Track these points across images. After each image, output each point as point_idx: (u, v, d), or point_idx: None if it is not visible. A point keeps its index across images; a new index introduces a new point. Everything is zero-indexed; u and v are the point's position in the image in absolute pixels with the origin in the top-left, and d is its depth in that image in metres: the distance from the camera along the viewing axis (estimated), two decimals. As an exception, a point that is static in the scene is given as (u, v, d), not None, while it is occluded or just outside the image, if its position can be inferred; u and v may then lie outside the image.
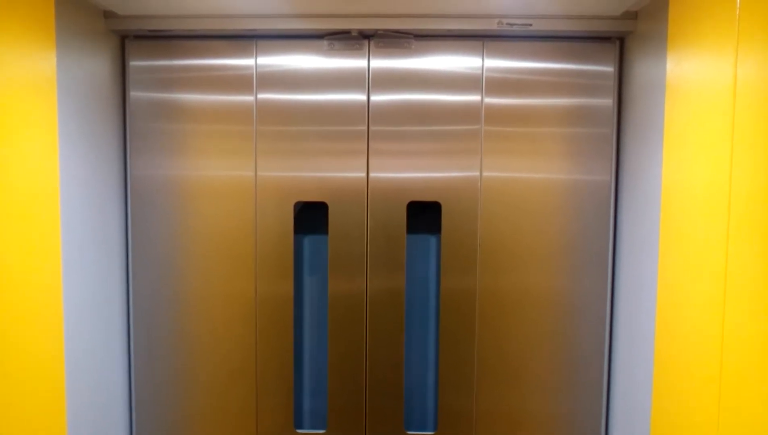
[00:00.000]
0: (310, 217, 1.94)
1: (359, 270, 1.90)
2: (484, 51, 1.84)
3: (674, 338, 1.44)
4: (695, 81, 1.36)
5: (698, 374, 1.31)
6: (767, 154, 1.08)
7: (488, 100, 1.85)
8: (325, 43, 1.85)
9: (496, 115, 1.85)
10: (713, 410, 1.24)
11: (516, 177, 1.86)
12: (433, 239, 1.97)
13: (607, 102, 1.84)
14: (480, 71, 1.84)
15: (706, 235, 1.28)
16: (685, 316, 1.38)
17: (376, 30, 1.81)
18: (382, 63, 1.85)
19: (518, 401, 1.92)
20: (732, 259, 1.18)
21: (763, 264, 1.09)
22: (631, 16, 1.74)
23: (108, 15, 1.78)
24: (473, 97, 1.85)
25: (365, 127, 1.86)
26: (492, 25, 1.76)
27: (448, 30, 1.79)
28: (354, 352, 1.92)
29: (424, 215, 1.91)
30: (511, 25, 1.75)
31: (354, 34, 1.82)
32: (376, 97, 1.85)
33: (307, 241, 1.99)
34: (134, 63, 1.87)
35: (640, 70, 1.72)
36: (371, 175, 1.87)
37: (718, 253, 1.23)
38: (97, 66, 1.77)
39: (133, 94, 1.88)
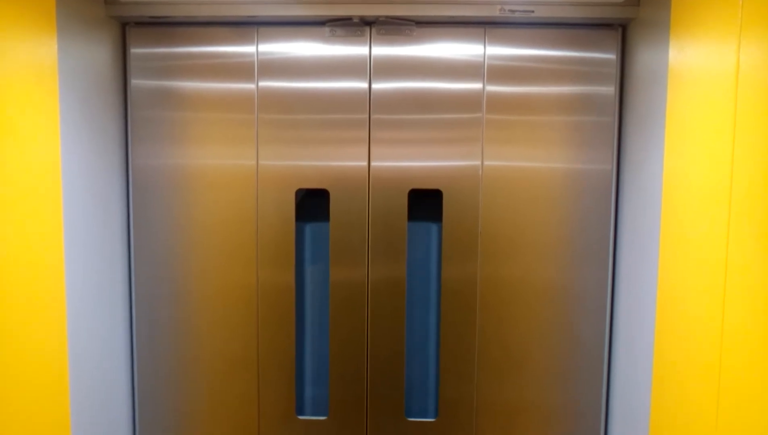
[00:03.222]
0: (312, 205, 1.94)
1: (360, 258, 1.90)
2: (486, 38, 1.83)
3: (674, 328, 1.44)
4: (698, 68, 1.35)
5: (698, 365, 1.31)
6: (769, 141, 1.08)
7: (490, 87, 1.84)
8: (326, 29, 1.84)
9: (498, 103, 1.84)
10: (712, 401, 1.24)
11: (517, 166, 1.86)
12: (434, 227, 1.97)
13: (609, 90, 1.83)
14: (482, 59, 1.83)
15: (707, 224, 1.28)
16: (685, 306, 1.39)
17: (378, 16, 1.81)
18: (383, 50, 1.84)
19: (518, 390, 1.93)
20: (733, 249, 1.18)
21: (763, 254, 1.09)
22: (634, 2, 1.73)
23: (108, 1, 1.77)
24: (475, 85, 1.84)
25: (366, 116, 1.86)
26: (494, 12, 1.75)
27: (450, 16, 1.78)
28: (355, 340, 1.93)
29: (425, 203, 1.91)
30: (513, 11, 1.74)
31: (355, 20, 1.81)
32: (377, 85, 1.85)
33: (309, 229, 1.99)
34: (135, 50, 1.87)
35: (643, 57, 1.71)
36: (372, 163, 1.87)
37: (719, 243, 1.23)
38: (98, 53, 1.76)
39: (134, 81, 1.87)
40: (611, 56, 1.82)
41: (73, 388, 1.61)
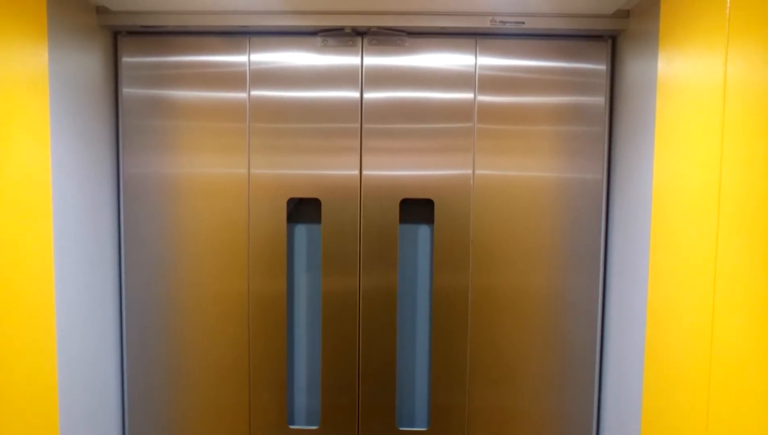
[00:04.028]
0: (303, 213, 1.94)
1: (352, 267, 1.90)
2: (477, 49, 1.84)
3: (665, 335, 1.45)
4: (686, 79, 1.37)
5: (688, 371, 1.32)
6: (756, 151, 1.09)
7: (481, 97, 1.85)
8: (318, 39, 1.84)
9: (489, 113, 1.85)
10: (702, 407, 1.25)
11: (509, 175, 1.87)
12: (425, 236, 1.97)
13: (599, 100, 1.85)
14: (473, 69, 1.85)
15: (697, 232, 1.29)
16: (675, 313, 1.40)
17: (370, 27, 1.82)
18: (375, 60, 1.85)
19: (510, 398, 1.93)
20: (722, 257, 1.19)
21: (752, 261, 1.10)
22: (623, 14, 1.75)
23: (100, 10, 1.77)
24: (466, 95, 1.85)
25: (358, 125, 1.86)
26: (485, 23, 1.76)
27: (441, 27, 1.80)
28: (347, 348, 1.92)
29: (416, 211, 1.91)
30: (504, 23, 1.76)
31: (347, 31, 1.82)
32: (369, 95, 1.85)
33: (300, 238, 1.99)
34: (126, 59, 1.87)
35: (632, 68, 1.72)
36: (364, 172, 1.87)
37: (708, 251, 1.24)
38: (90, 62, 1.76)
39: (126, 90, 1.87)
40: (601, 67, 1.84)
41: (62, 396, 1.60)
